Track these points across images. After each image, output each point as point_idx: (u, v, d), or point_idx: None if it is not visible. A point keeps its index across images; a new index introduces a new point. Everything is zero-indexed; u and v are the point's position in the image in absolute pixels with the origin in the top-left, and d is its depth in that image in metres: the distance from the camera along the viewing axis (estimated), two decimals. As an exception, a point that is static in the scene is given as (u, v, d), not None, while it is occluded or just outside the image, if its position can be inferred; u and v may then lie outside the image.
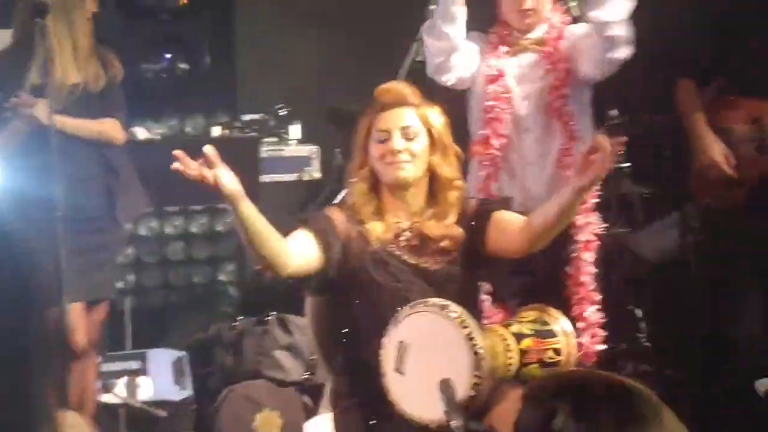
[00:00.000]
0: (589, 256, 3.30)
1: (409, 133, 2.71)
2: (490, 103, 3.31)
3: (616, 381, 1.32)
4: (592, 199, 3.31)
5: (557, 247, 3.06)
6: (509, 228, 2.70)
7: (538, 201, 3.22)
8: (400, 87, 2.78)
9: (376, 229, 2.72)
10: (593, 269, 3.30)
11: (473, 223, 2.75)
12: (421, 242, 2.75)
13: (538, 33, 3.35)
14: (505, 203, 2.88)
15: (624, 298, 4.44)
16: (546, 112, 3.31)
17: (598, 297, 3.29)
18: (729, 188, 3.57)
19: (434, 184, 2.77)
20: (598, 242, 3.32)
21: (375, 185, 2.77)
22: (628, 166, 4.35)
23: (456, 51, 3.27)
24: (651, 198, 4.61)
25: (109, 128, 3.82)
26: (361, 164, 2.77)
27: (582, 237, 3.30)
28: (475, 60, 3.35)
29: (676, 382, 4.11)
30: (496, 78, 3.32)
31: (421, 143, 2.72)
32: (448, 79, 3.33)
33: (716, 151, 3.55)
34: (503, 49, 3.35)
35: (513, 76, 3.33)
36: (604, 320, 3.30)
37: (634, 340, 4.42)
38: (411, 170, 2.70)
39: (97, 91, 3.78)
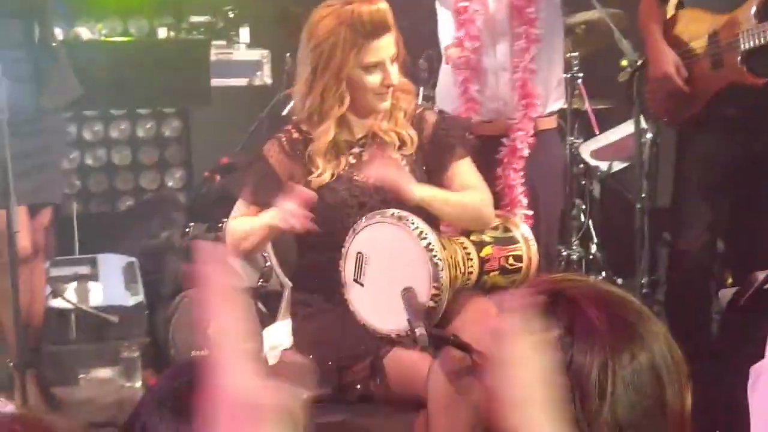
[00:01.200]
0: (516, 160, 3.28)
1: (393, 60, 2.63)
2: (463, 3, 3.23)
3: (605, 293, 1.31)
4: (532, 112, 3.28)
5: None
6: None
7: (510, 107, 3.23)
8: (383, 9, 2.60)
9: (326, 176, 2.64)
10: (520, 174, 3.28)
11: (432, 148, 2.69)
12: (370, 157, 2.68)
13: None
14: (465, 127, 2.80)
15: (573, 207, 4.51)
16: (519, 17, 3.23)
17: (525, 201, 3.27)
18: (683, 104, 3.56)
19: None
20: (527, 148, 3.30)
21: (341, 118, 2.66)
22: (580, 77, 4.35)
23: None
24: (607, 111, 4.64)
25: None
26: (341, 100, 2.61)
27: (511, 141, 3.28)
28: None
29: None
30: None
31: (397, 67, 2.65)
32: None
33: (668, 61, 3.53)
34: None
35: None
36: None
37: (586, 249, 4.50)
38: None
39: None
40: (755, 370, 1.69)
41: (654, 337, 1.27)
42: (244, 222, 2.67)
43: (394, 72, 2.63)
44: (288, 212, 2.51)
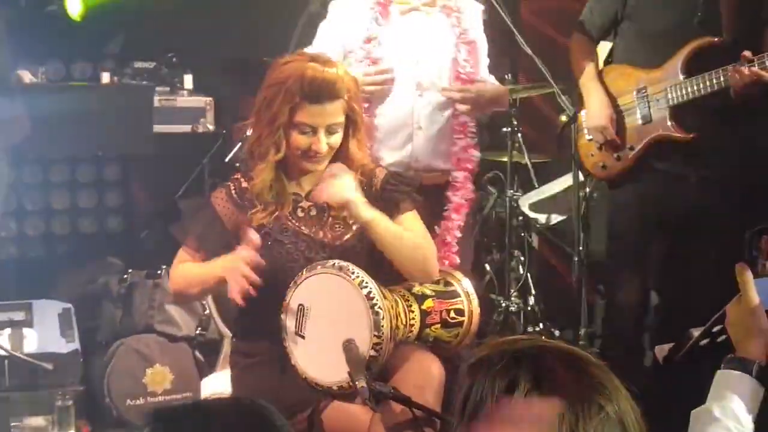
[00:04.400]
0: (457, 218, 3.34)
1: (333, 128, 2.63)
2: None
3: (568, 350, 1.32)
4: (468, 167, 3.35)
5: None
6: None
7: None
8: (333, 76, 2.60)
9: (266, 216, 2.65)
10: (459, 232, 3.33)
11: (380, 203, 2.70)
12: (318, 211, 2.71)
13: None
14: (413, 184, 2.82)
15: (512, 258, 4.55)
16: None
17: (457, 260, 3.31)
18: (612, 158, 3.64)
19: (341, 156, 2.70)
20: (468, 206, 3.36)
21: (282, 165, 2.69)
22: (519, 133, 4.43)
23: None
24: (545, 164, 4.71)
25: None
26: (277, 148, 2.62)
27: (455, 199, 3.34)
28: None
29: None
30: None
31: (340, 133, 2.66)
32: None
33: (605, 114, 3.58)
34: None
35: None
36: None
37: (525, 301, 4.54)
38: (327, 161, 2.66)
39: None
40: (695, 414, 1.74)
41: (617, 390, 1.27)
42: (190, 269, 2.66)
43: (326, 140, 2.62)
44: (239, 272, 2.50)
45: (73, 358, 3.86)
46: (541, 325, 4.49)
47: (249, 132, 2.79)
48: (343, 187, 2.61)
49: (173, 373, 3.89)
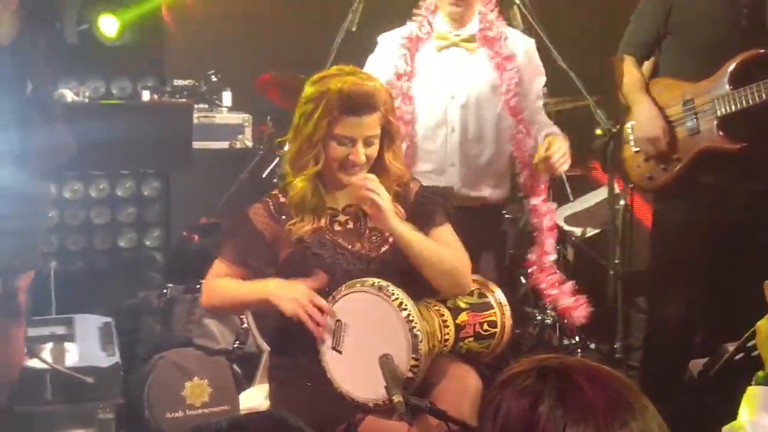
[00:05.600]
0: (551, 242, 3.38)
1: (370, 140, 2.66)
2: None
3: (595, 367, 1.33)
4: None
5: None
6: None
7: None
8: (371, 89, 2.64)
9: (305, 226, 2.68)
10: (554, 254, 3.40)
11: (414, 215, 2.73)
12: (356, 224, 2.73)
13: None
14: (446, 197, 2.85)
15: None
16: None
17: (559, 277, 3.39)
18: (659, 169, 3.63)
19: (377, 168, 2.73)
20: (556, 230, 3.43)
21: (320, 178, 2.71)
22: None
23: None
24: (579, 177, 4.72)
25: None
26: (316, 160, 2.66)
27: (546, 223, 3.37)
28: None
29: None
30: None
31: (377, 145, 2.69)
32: None
33: (658, 124, 3.57)
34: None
35: None
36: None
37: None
38: (364, 172, 2.69)
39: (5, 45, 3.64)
40: (726, 430, 1.74)
41: (644, 409, 1.28)
42: (228, 286, 2.69)
43: (363, 151, 2.65)
44: (302, 305, 2.55)
45: (114, 371, 3.92)
46: (576, 338, 4.49)
47: (286, 148, 2.82)
48: (376, 192, 2.62)
49: (211, 386, 3.92)
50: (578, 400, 1.24)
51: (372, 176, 2.66)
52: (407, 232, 2.63)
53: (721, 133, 3.47)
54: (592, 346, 4.40)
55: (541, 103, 3.50)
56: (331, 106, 2.61)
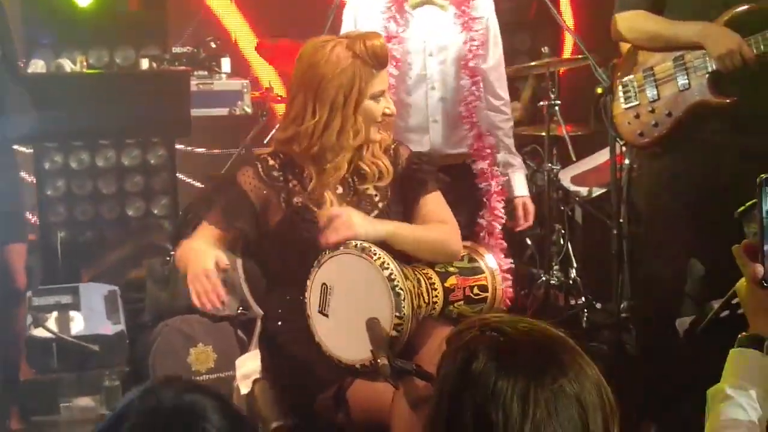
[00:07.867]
0: (500, 205, 3.37)
1: (385, 92, 2.72)
2: None
3: (536, 326, 1.35)
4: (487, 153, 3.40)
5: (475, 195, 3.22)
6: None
7: None
8: (385, 44, 2.72)
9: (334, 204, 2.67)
10: (503, 218, 3.37)
11: (404, 181, 2.74)
12: (345, 189, 2.72)
13: None
14: (436, 162, 2.83)
15: (553, 232, 4.54)
16: None
17: (505, 245, 3.36)
18: (650, 125, 3.59)
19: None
20: (504, 193, 3.41)
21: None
22: (557, 104, 4.40)
23: None
24: (583, 137, 4.67)
25: None
26: (357, 132, 2.64)
27: (494, 187, 3.36)
28: None
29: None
30: None
31: None
32: None
33: (731, 39, 3.35)
34: None
35: None
36: (512, 265, 3.35)
37: (566, 274, 4.53)
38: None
39: None
40: (710, 392, 1.73)
41: (579, 369, 1.31)
42: (189, 247, 2.71)
43: (391, 102, 2.72)
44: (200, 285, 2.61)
45: (120, 339, 3.96)
46: (582, 298, 4.48)
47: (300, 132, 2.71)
48: (349, 223, 2.57)
49: (216, 352, 3.95)
50: (511, 356, 1.28)
51: (337, 208, 2.63)
52: (392, 231, 2.62)
53: (711, 88, 3.43)
54: (598, 306, 4.39)
55: (507, 110, 3.51)
56: (368, 68, 2.62)
